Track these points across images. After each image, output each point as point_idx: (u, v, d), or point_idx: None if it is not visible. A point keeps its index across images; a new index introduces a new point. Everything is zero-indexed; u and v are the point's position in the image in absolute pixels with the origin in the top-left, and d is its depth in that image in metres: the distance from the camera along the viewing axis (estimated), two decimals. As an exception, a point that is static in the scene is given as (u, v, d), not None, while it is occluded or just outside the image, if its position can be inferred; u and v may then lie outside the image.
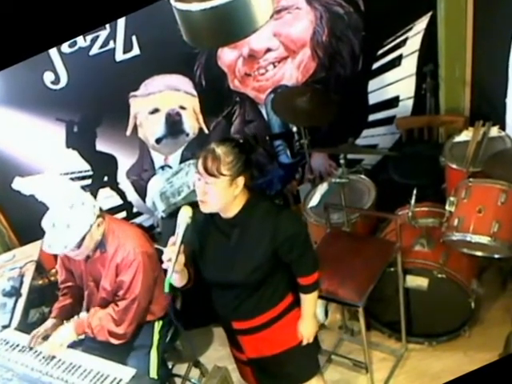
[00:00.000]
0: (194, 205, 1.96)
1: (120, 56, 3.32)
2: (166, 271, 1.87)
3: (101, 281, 2.51)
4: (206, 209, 1.95)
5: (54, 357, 2.44)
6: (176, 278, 1.96)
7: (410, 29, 3.56)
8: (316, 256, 2.14)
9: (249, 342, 2.21)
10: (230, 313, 2.15)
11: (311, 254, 2.11)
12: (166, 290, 1.85)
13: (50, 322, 2.60)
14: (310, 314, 2.19)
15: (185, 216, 1.91)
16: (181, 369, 3.00)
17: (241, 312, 2.12)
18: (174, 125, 3.60)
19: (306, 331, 2.20)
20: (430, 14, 3.52)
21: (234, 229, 2.00)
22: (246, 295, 2.07)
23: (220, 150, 1.88)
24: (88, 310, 2.66)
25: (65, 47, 3.22)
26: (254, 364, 2.29)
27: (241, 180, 1.92)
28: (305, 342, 2.21)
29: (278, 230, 1.96)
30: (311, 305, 2.19)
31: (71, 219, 2.33)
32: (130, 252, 2.43)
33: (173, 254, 1.86)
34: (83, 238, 2.34)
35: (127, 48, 3.30)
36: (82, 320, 2.48)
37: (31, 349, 2.50)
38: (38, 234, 2.44)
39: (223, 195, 1.91)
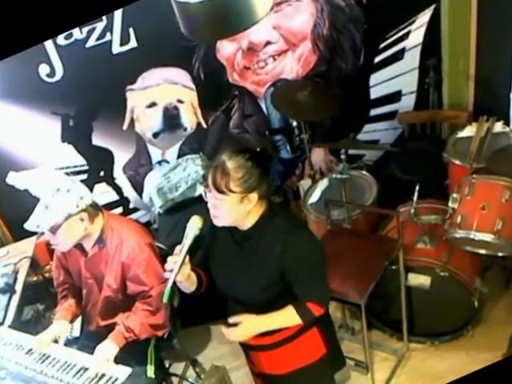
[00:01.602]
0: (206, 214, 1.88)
1: (117, 48, 3.30)
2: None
3: (104, 278, 2.47)
4: (218, 223, 1.85)
5: (48, 355, 2.40)
6: (181, 286, 1.89)
7: (413, 22, 3.52)
8: (328, 290, 1.97)
9: (257, 358, 2.13)
10: None
11: (321, 283, 1.92)
12: (165, 300, 1.79)
13: (57, 325, 2.54)
14: (268, 323, 1.91)
15: (193, 227, 1.82)
16: (178, 368, 2.96)
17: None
18: (171, 119, 3.57)
19: (242, 327, 1.88)
20: (433, 7, 3.47)
21: (248, 241, 1.90)
22: (257, 313, 1.95)
23: (230, 164, 1.75)
24: (86, 309, 2.63)
25: (60, 39, 3.20)
26: (263, 378, 2.22)
27: (254, 196, 1.78)
28: (226, 333, 1.92)
29: (288, 250, 1.81)
30: (284, 320, 1.92)
31: (51, 202, 2.29)
32: (135, 246, 2.40)
33: (175, 264, 1.78)
34: (59, 226, 2.29)
35: (124, 40, 3.28)
36: (117, 330, 2.40)
37: (31, 349, 2.46)
38: (32, 229, 2.43)
39: (234, 212, 1.79)
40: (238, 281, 1.93)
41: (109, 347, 2.34)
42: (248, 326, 1.90)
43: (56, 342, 2.48)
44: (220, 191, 1.75)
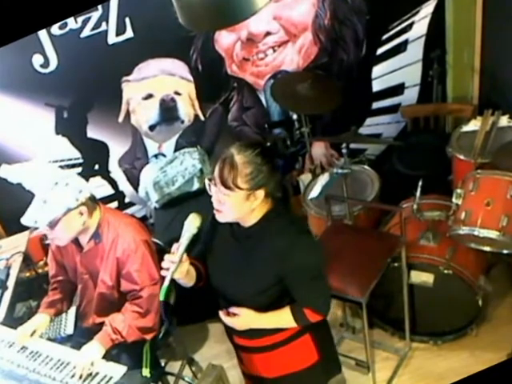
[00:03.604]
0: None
1: (113, 38, 3.28)
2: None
3: (99, 274, 2.44)
4: (220, 218, 1.81)
5: (41, 353, 2.38)
6: (180, 282, 1.85)
7: (417, 12, 3.50)
8: (327, 298, 1.91)
9: (248, 359, 2.09)
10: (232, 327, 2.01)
11: (320, 291, 1.87)
12: (161, 297, 1.74)
13: (38, 318, 2.53)
14: (265, 320, 1.88)
15: (191, 225, 1.77)
16: (174, 366, 2.94)
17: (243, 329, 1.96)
18: (168, 111, 3.54)
19: (241, 318, 1.87)
20: (437, -3, 3.48)
21: (248, 239, 1.85)
22: None
23: (239, 159, 1.69)
24: (81, 305, 2.60)
25: (55, 29, 3.18)
26: (253, 380, 2.18)
27: (260, 193, 1.73)
28: (225, 320, 1.90)
29: (287, 255, 1.76)
30: (280, 320, 1.89)
31: (49, 196, 2.26)
32: (131, 242, 2.37)
33: (172, 263, 1.73)
34: (58, 220, 2.26)
35: (120, 30, 3.26)
36: (104, 331, 2.37)
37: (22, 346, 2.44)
38: (25, 224, 2.41)
39: (239, 208, 1.75)
40: (233, 280, 1.88)
41: (94, 349, 2.31)
42: (246, 318, 1.87)
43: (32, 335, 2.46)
44: (226, 186, 1.70)
